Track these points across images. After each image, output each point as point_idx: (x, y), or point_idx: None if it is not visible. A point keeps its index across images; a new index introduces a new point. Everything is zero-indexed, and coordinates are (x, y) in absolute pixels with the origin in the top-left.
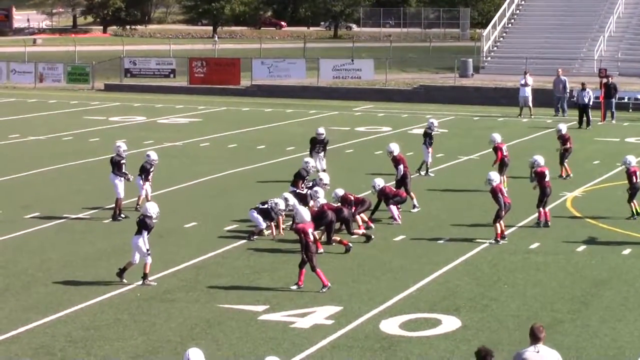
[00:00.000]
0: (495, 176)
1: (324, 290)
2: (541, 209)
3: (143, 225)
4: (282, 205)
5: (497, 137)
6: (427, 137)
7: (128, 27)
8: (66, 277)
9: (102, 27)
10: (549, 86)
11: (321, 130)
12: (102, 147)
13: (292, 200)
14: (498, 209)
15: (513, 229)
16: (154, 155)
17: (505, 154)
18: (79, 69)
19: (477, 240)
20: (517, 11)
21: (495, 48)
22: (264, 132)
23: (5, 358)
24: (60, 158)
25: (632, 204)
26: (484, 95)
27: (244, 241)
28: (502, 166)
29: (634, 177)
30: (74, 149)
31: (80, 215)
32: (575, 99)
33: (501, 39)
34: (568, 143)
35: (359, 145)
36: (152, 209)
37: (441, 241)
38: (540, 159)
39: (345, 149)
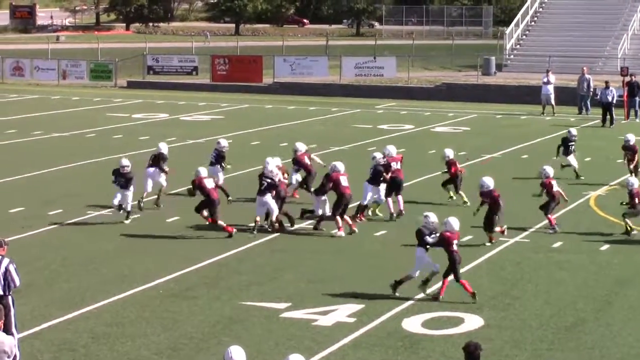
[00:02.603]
0: (489, 181)
1: (474, 301)
2: (549, 215)
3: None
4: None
5: (450, 153)
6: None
7: (151, 24)
8: (89, 273)
9: (124, 25)
10: (572, 84)
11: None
12: (125, 144)
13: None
14: (491, 213)
15: (537, 226)
16: (224, 142)
17: (459, 168)
18: (101, 66)
19: (500, 238)
20: (540, 9)
21: (518, 46)
22: (286, 129)
23: (28, 354)
24: (84, 155)
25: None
26: (506, 93)
27: (267, 238)
28: (454, 181)
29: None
30: (97, 146)
31: (103, 212)
32: (598, 97)
33: (524, 37)
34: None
35: (382, 143)
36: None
37: (464, 239)
38: (549, 170)
39: (367, 147)
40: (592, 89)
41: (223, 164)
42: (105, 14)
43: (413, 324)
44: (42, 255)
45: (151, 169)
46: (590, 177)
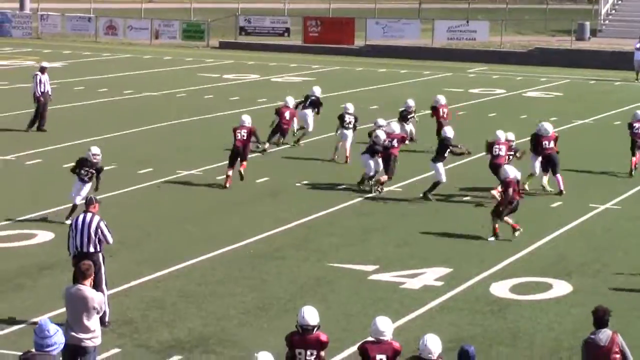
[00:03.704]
0: (510, 170)
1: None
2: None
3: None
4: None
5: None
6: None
7: None
8: (178, 232)
9: None
10: None
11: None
12: (216, 105)
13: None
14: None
15: (630, 192)
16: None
17: (443, 114)
18: (194, 26)
19: (591, 204)
20: None
21: (613, 11)
22: (377, 92)
23: (117, 311)
24: (175, 114)
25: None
26: (600, 59)
27: (356, 200)
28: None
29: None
30: (188, 106)
31: (193, 172)
32: None
33: (620, 2)
34: None
35: (473, 107)
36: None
37: (554, 205)
38: (509, 170)
39: (459, 111)
40: None
41: (318, 110)
42: None
43: (501, 289)
44: (133, 214)
45: (307, 110)
46: None
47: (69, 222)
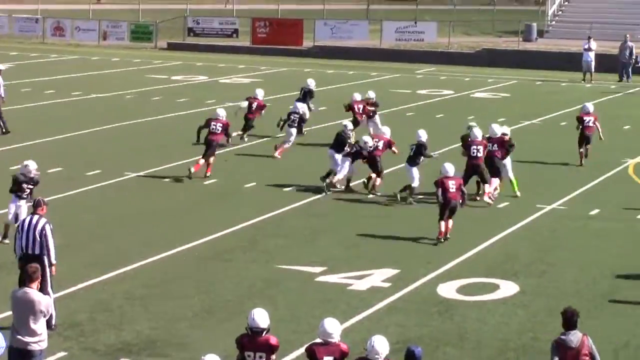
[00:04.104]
0: (448, 168)
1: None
2: (442, 222)
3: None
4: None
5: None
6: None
7: None
8: (126, 234)
9: None
10: (613, 51)
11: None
12: (164, 106)
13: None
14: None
15: (574, 193)
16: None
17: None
18: (142, 27)
19: (538, 205)
20: None
21: (560, 12)
22: (326, 93)
23: (63, 314)
24: (123, 116)
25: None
26: (547, 60)
27: (305, 201)
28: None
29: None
30: (136, 107)
31: (141, 173)
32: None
33: (566, 3)
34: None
35: (420, 108)
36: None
37: (500, 206)
38: (448, 167)
39: (406, 112)
40: (634, 57)
41: (311, 104)
42: None
43: (448, 290)
44: (80, 216)
45: (299, 103)
46: (629, 145)
47: (7, 241)
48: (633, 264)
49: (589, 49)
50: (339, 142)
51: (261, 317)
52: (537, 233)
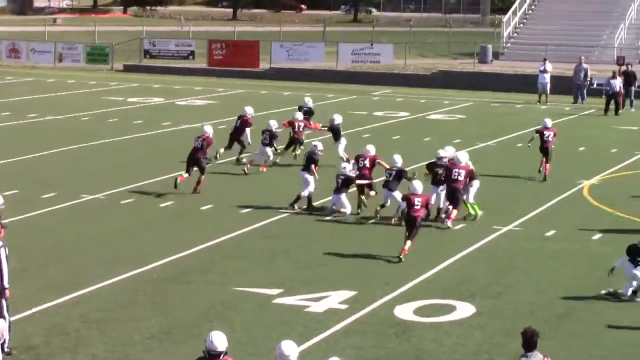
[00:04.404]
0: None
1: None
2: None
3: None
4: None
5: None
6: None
7: (148, 7)
8: (82, 257)
9: (122, 8)
10: (568, 73)
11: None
12: (120, 128)
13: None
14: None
15: (530, 215)
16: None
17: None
18: (98, 49)
19: (494, 226)
20: None
21: (515, 34)
22: (282, 115)
23: (19, 338)
24: (79, 138)
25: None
26: (503, 82)
27: (262, 223)
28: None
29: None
30: (92, 129)
31: (97, 196)
32: (608, 87)
33: (521, 25)
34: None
35: (377, 130)
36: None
37: (457, 227)
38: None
39: (362, 134)
40: (589, 78)
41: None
42: None
43: (405, 311)
44: (36, 239)
45: (272, 121)
46: (583, 166)
47: None
48: (588, 285)
49: (545, 71)
50: (310, 163)
51: (219, 340)
52: (493, 254)
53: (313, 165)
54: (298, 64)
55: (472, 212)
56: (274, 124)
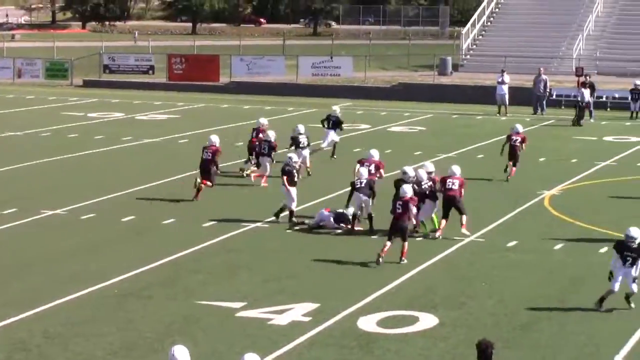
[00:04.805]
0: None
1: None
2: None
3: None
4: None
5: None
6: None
7: (107, 23)
8: (43, 273)
9: (81, 23)
10: (527, 84)
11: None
12: (80, 143)
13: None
14: None
15: (492, 226)
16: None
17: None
18: (57, 65)
19: (455, 237)
20: (497, 9)
21: (474, 46)
22: (243, 129)
23: None
24: (38, 154)
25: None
26: (462, 93)
27: (224, 237)
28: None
29: None
30: (52, 145)
31: (58, 211)
32: (579, 97)
33: (480, 37)
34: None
35: (338, 143)
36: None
37: (419, 238)
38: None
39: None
40: (548, 89)
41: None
42: (62, 13)
43: (368, 323)
44: None
45: (330, 130)
46: (544, 176)
47: None
48: (550, 295)
49: (503, 82)
50: (286, 175)
51: (181, 354)
52: (455, 265)
53: (286, 177)
54: (258, 78)
55: (428, 227)
56: (272, 135)
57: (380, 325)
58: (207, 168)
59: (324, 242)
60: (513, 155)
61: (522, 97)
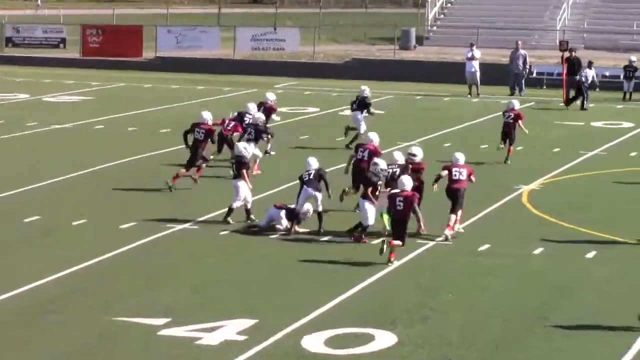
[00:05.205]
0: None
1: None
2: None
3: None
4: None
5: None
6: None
7: None
8: None
9: None
10: (503, 60)
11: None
12: None
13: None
14: None
15: (462, 225)
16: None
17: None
18: None
19: (419, 240)
20: None
21: (442, 16)
22: (169, 112)
23: None
24: None
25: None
26: (428, 71)
27: (145, 240)
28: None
29: None
30: None
31: None
32: (582, 79)
33: (449, 5)
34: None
35: (281, 128)
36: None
37: (375, 241)
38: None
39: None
40: (527, 66)
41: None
42: None
43: (315, 342)
44: None
45: (356, 112)
46: (522, 169)
47: None
48: (528, 307)
49: (473, 58)
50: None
51: None
52: (418, 273)
53: (244, 170)
54: (189, 52)
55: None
56: (260, 118)
57: (329, 344)
58: (197, 152)
59: (262, 246)
60: (507, 134)
61: (497, 75)
